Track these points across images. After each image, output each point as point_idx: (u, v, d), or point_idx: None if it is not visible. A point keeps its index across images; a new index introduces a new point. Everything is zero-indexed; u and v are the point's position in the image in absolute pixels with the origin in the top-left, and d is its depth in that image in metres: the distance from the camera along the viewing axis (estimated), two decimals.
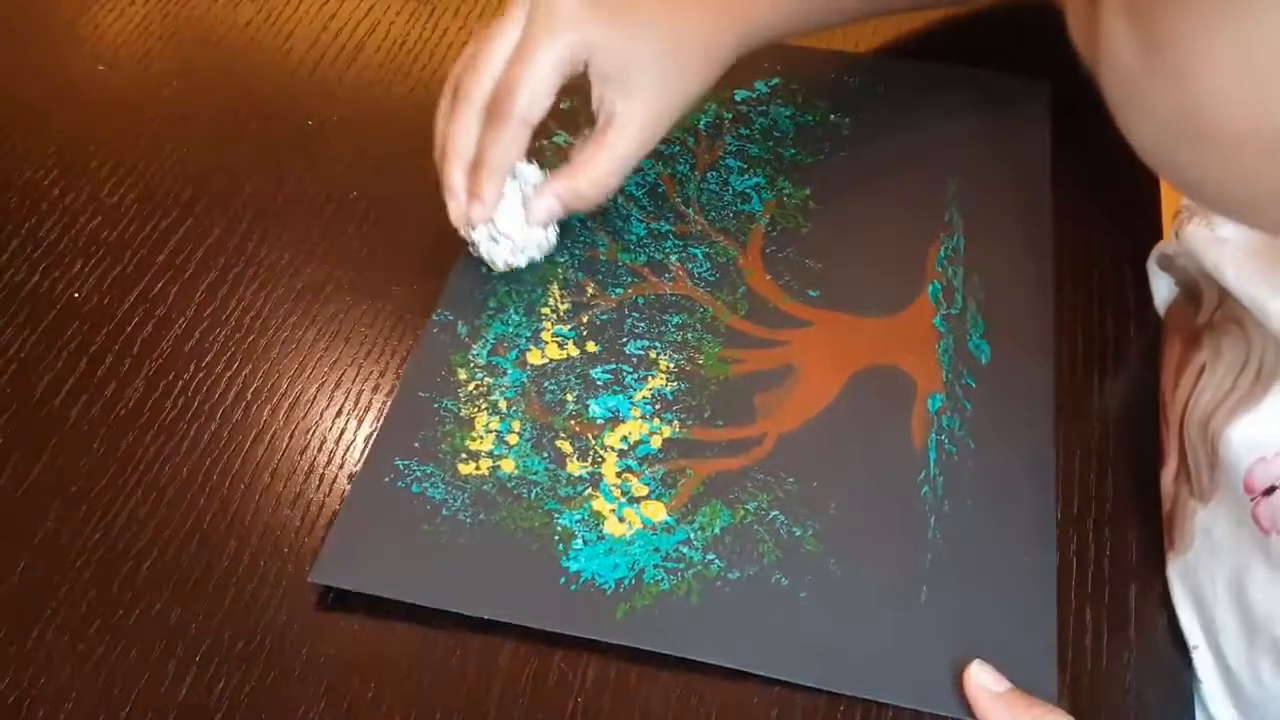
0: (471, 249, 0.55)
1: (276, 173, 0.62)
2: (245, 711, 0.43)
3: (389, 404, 0.52)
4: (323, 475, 0.50)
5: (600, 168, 0.53)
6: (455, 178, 0.53)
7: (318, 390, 0.53)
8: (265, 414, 0.52)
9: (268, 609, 0.46)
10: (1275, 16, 0.23)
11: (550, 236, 0.56)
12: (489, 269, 0.56)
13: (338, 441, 0.51)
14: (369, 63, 0.69)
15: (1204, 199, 0.32)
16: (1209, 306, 0.48)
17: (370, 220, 0.60)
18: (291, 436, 0.51)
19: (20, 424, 0.52)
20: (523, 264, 0.56)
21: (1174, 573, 0.47)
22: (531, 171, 0.54)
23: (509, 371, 0.53)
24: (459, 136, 0.53)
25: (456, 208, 0.53)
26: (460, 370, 0.53)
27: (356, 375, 0.54)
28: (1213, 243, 0.46)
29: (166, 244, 0.59)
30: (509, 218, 0.54)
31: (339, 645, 0.45)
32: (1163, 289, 0.54)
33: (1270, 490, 0.42)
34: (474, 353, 0.53)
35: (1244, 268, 0.44)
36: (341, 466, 0.50)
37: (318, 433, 0.51)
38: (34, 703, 0.43)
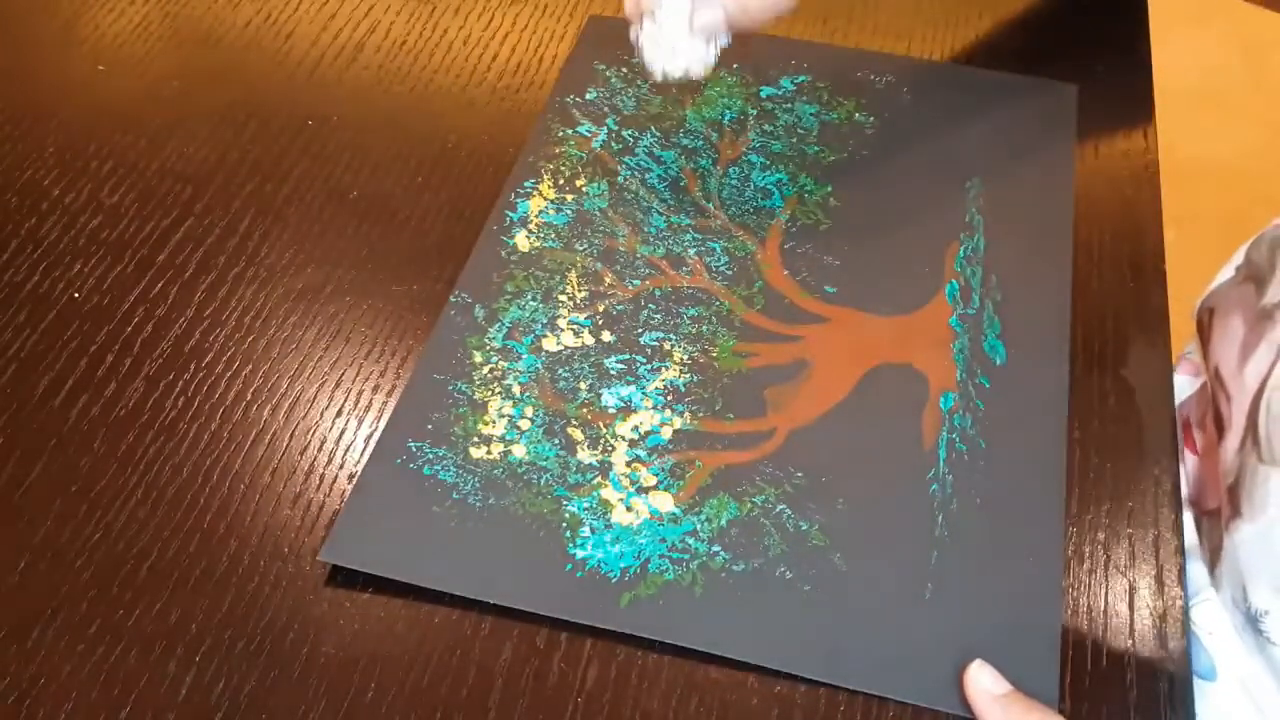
0: (636, 50, 0.56)
1: (276, 173, 0.62)
2: (245, 711, 0.43)
3: (403, 386, 0.52)
4: (323, 475, 0.50)
5: None
6: None
7: (318, 390, 0.53)
8: (265, 414, 0.52)
9: (268, 609, 0.46)
10: None
11: (709, 54, 0.56)
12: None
13: (338, 441, 0.51)
14: (369, 63, 0.69)
15: None
16: None
17: (370, 220, 0.60)
18: (291, 436, 0.51)
19: (20, 424, 0.52)
20: (677, 74, 0.56)
21: (1242, 538, 0.47)
22: None
23: (524, 356, 0.53)
24: None
25: None
26: (475, 353, 0.53)
27: (356, 375, 0.54)
28: None
29: (166, 244, 0.59)
30: (674, 23, 0.54)
31: (339, 645, 0.45)
32: (1227, 273, 0.54)
33: None
34: (490, 336, 0.54)
35: None
36: (341, 466, 0.50)
37: (318, 433, 0.51)
38: (34, 703, 0.43)
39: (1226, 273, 0.55)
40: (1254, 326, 0.50)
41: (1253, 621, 0.47)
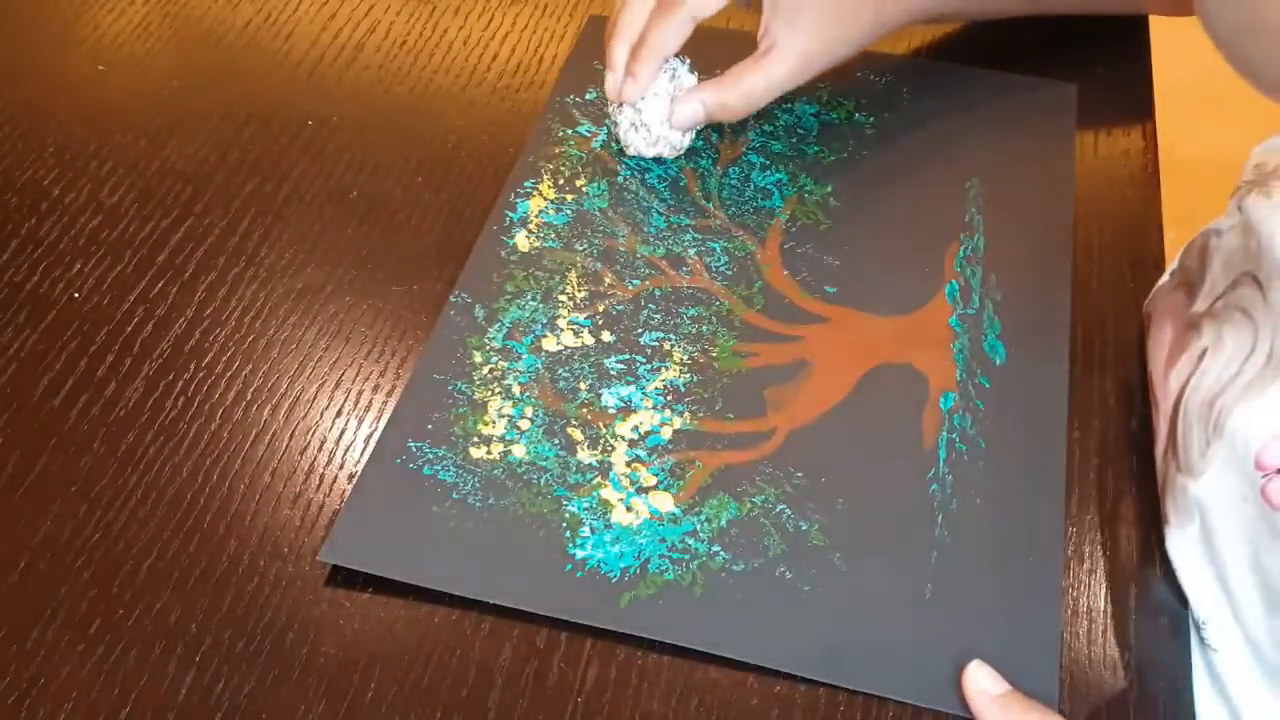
0: (610, 127, 0.60)
1: (276, 173, 0.62)
2: (245, 711, 0.43)
3: (403, 386, 0.52)
4: (323, 475, 0.50)
5: (753, 86, 0.57)
6: (618, 53, 0.57)
7: (318, 390, 0.53)
8: (265, 414, 0.52)
9: (268, 609, 0.46)
10: None
11: (685, 141, 0.59)
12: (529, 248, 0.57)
13: (338, 441, 0.51)
14: (369, 63, 0.69)
15: (1263, 84, 0.40)
16: (1208, 295, 0.49)
17: (370, 220, 0.60)
18: (291, 436, 0.51)
19: (20, 424, 0.52)
20: (650, 155, 0.59)
21: (1175, 546, 0.47)
22: (689, 77, 0.58)
23: (524, 356, 0.53)
24: (629, 17, 0.57)
25: (613, 81, 0.57)
26: (475, 353, 0.53)
27: (356, 375, 0.54)
28: (1273, 211, 0.47)
29: (166, 244, 0.59)
30: (654, 112, 0.57)
31: (339, 645, 0.45)
32: (1164, 277, 0.55)
33: None
34: (490, 336, 0.54)
35: None
36: (341, 466, 0.50)
37: (318, 433, 0.51)
38: (34, 703, 0.43)
39: (1164, 277, 0.55)
40: (1181, 335, 0.50)
41: (1197, 629, 0.47)
